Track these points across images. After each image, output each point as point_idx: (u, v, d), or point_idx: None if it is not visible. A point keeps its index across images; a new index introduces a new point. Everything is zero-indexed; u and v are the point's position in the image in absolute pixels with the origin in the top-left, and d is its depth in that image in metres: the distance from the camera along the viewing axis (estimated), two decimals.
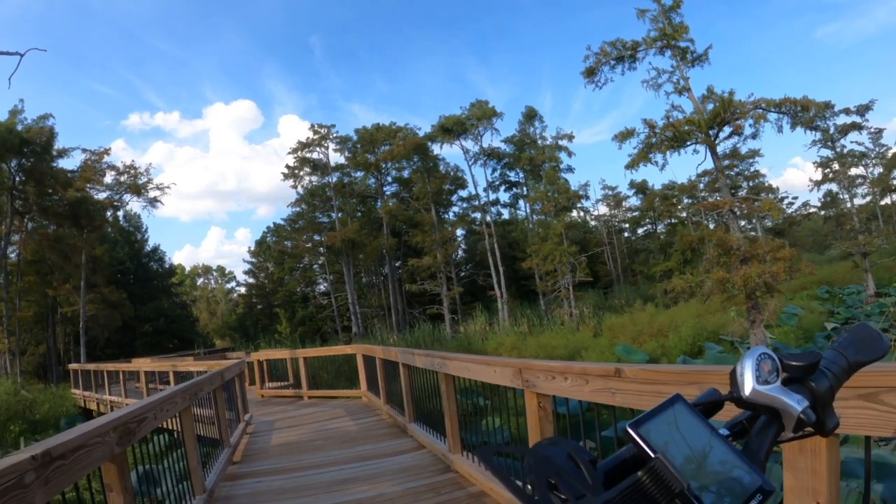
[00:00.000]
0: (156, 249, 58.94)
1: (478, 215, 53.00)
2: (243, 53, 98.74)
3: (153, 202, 47.13)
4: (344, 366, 17.03)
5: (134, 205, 49.34)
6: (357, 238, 46.81)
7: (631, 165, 26.47)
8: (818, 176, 46.51)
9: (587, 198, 50.88)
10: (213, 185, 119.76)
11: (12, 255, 43.67)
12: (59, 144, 39.07)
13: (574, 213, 48.20)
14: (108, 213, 47.21)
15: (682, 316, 29.00)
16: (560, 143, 48.48)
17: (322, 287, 59.44)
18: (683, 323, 27.08)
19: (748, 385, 0.91)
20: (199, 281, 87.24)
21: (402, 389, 8.96)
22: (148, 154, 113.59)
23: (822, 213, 56.57)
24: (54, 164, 39.46)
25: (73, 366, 28.96)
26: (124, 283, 50.33)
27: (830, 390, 0.98)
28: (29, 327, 44.94)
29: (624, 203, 61.19)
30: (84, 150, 43.57)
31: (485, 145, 48.62)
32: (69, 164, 43.25)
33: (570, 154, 48.61)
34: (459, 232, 52.24)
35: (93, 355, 40.74)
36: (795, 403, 0.90)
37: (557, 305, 42.19)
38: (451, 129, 46.44)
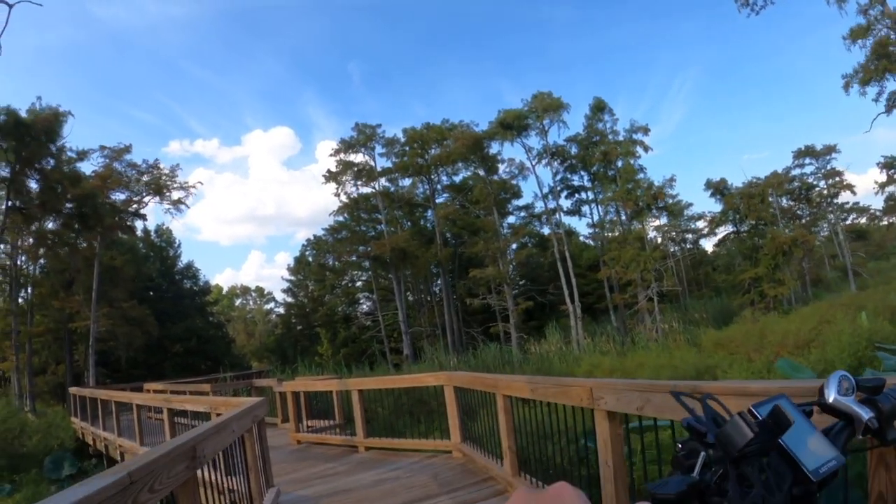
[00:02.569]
0: (189, 266, 56.65)
1: (538, 225, 48.23)
2: (281, 81, 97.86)
3: (177, 204, 43.24)
4: (407, 399, 13.86)
5: (156, 207, 45.69)
6: (408, 247, 41.95)
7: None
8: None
9: (668, 198, 44.79)
10: (252, 210, 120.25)
11: (23, 264, 41.74)
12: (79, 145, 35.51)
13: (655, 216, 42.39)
14: (132, 221, 44.06)
15: (795, 325, 24.71)
16: (634, 136, 42.78)
17: (365, 307, 56.86)
18: (800, 332, 22.64)
19: (831, 395, 1.22)
20: (238, 302, 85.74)
21: None
22: (189, 182, 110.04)
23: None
24: (76, 168, 37.13)
25: (73, 389, 24.60)
26: (154, 300, 48.33)
27: (893, 409, 1.21)
28: (47, 344, 42.89)
29: (686, 211, 55.22)
30: (103, 148, 40.45)
31: (550, 142, 43.34)
32: (89, 168, 40.23)
33: (646, 149, 42.77)
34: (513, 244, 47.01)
35: (116, 376, 39.44)
36: (863, 413, 1.18)
37: (637, 320, 36.95)
38: (510, 125, 41.78)
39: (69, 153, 37.00)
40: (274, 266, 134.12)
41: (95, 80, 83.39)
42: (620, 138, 43.15)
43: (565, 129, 43.27)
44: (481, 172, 44.39)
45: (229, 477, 5.75)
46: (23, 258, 41.47)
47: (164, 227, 55.89)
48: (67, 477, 20.75)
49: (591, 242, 51.30)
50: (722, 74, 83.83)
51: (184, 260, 56.75)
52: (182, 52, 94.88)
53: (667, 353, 25.55)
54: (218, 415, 7.79)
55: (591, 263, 44.39)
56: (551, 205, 45.15)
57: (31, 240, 39.71)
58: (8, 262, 40.96)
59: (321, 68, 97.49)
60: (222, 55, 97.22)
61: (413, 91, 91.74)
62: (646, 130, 43.26)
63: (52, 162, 33.25)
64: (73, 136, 39.60)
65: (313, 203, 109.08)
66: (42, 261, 42.92)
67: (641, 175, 40.51)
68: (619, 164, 41.52)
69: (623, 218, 42.32)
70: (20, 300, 41.04)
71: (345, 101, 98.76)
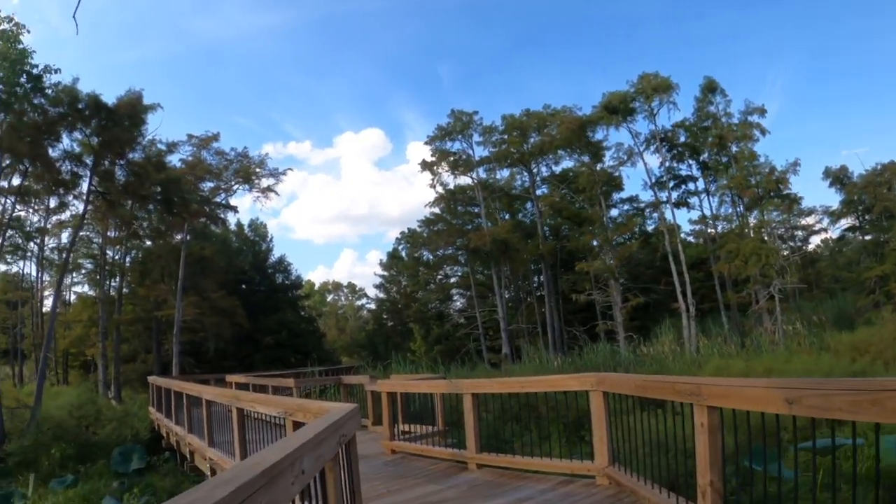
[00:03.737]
0: (281, 261, 56.41)
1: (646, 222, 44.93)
2: (372, 83, 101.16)
3: (266, 192, 42.91)
4: (515, 402, 11.43)
5: (246, 197, 45.52)
6: (509, 239, 39.80)
7: None
8: None
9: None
10: (345, 209, 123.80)
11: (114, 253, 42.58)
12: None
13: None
14: (224, 213, 44.06)
15: None
16: (749, 119, 39.08)
17: (458, 303, 55.92)
18: None
19: None
20: (329, 297, 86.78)
21: None
22: (283, 182, 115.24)
23: None
24: (168, 161, 37.12)
25: (151, 379, 23.42)
26: (246, 293, 48.96)
27: None
28: (137, 333, 43.65)
29: (795, 206, 50.64)
30: (190, 136, 40.75)
31: (659, 126, 40.27)
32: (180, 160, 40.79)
33: (763, 132, 38.89)
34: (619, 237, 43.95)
35: (204, 367, 39.36)
36: None
37: (754, 321, 34.75)
38: (616, 109, 39.26)
39: (159, 145, 37.14)
40: (366, 264, 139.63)
41: (193, 90, 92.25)
42: (734, 121, 39.70)
43: (675, 112, 40.12)
44: (586, 159, 41.56)
45: None
46: (113, 249, 42.35)
47: (258, 222, 56.66)
48: (134, 471, 19.67)
49: (693, 240, 47.83)
50: (819, 65, 78.27)
51: (276, 254, 56.71)
52: (275, 59, 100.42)
53: (800, 358, 22.62)
54: (294, 422, 6.51)
55: (693, 261, 41.00)
56: (657, 196, 42.15)
57: (115, 230, 39.67)
58: (97, 252, 41.10)
59: (412, 70, 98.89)
60: (314, 61, 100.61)
61: (503, 91, 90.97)
62: (762, 111, 39.46)
63: (136, 149, 32.88)
64: (170, 138, 39.21)
65: (405, 203, 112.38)
66: (132, 252, 43.23)
67: (761, 159, 36.92)
68: (735, 148, 38.06)
69: (740, 209, 38.87)
70: (109, 289, 41.26)
71: (435, 103, 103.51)
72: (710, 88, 39.86)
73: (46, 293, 45.84)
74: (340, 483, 4.55)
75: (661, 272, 41.85)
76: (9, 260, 42.90)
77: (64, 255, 33.76)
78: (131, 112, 29.57)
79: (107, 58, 70.81)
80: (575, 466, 7.74)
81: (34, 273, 46.94)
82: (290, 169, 47.60)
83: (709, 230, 42.60)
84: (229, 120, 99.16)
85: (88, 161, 29.55)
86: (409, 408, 12.72)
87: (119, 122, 28.89)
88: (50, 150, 28.18)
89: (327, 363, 44.21)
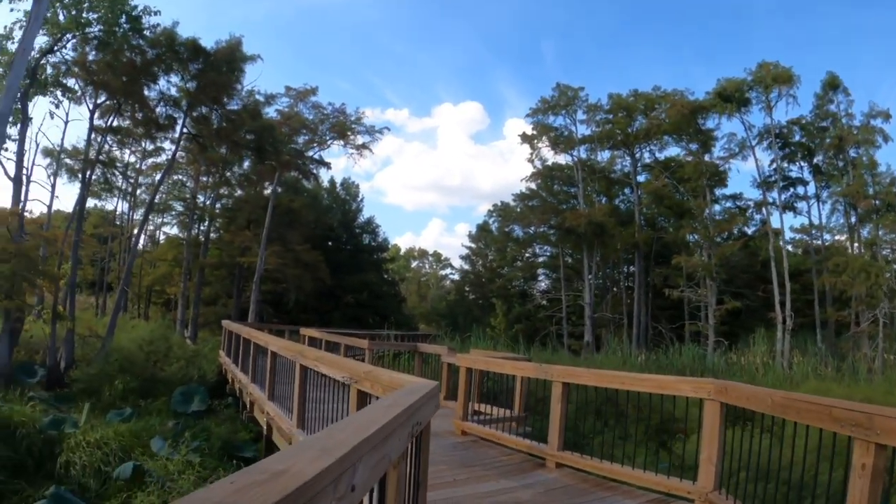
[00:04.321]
0: (370, 222, 56.43)
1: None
2: (474, 56, 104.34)
3: (361, 150, 42.54)
4: (594, 394, 10.13)
5: (340, 153, 45.59)
6: (606, 223, 38.32)
7: None
8: None
9: None
10: (438, 179, 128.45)
11: (201, 198, 43.17)
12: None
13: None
14: (316, 168, 44.00)
15: None
16: (872, 123, 36.36)
17: (543, 284, 54.79)
18: None
19: None
20: (414, 264, 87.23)
21: None
22: (379, 146, 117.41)
23: None
24: (265, 113, 36.95)
25: (224, 323, 23.15)
26: (332, 249, 48.96)
27: None
28: (221, 278, 44.58)
29: None
30: (288, 89, 40.56)
31: (774, 121, 37.83)
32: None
33: (886, 139, 36.08)
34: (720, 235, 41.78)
35: (283, 317, 40.08)
36: None
37: (852, 344, 31.86)
38: (730, 97, 37.02)
39: (257, 97, 37.14)
40: (453, 236, 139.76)
41: (296, 50, 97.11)
42: (856, 123, 37.00)
43: (794, 107, 37.57)
44: (694, 147, 39.56)
45: None
46: (204, 194, 42.93)
47: (350, 181, 56.70)
48: (193, 413, 19.52)
49: (791, 249, 45.24)
50: None
51: (365, 215, 56.70)
52: (379, 26, 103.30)
53: None
54: (360, 391, 5.76)
55: (791, 271, 38.51)
56: (765, 196, 39.65)
57: (207, 176, 40.50)
58: (188, 196, 41.70)
59: (515, 46, 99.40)
60: (418, 29, 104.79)
61: (605, 74, 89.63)
62: (886, 116, 36.56)
63: (234, 98, 32.70)
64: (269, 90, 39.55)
65: (498, 178, 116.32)
66: (222, 200, 44.09)
67: (882, 168, 34.41)
68: (854, 153, 35.59)
69: (852, 220, 36.31)
70: (197, 233, 42.14)
71: (536, 81, 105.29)
72: (833, 85, 37.16)
73: (136, 231, 46.86)
74: (404, 480, 3.64)
75: (755, 278, 40.08)
76: (103, 197, 44.04)
77: (151, 195, 33.89)
78: (229, 58, 29.31)
79: (212, 13, 73.21)
80: (671, 485, 6.71)
81: (126, 211, 48.37)
82: (386, 128, 47.33)
83: (813, 240, 40.02)
84: (330, 82, 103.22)
85: (184, 104, 29.45)
86: (484, 384, 11.86)
87: (216, 67, 28.68)
88: (146, 92, 28.24)
89: (404, 328, 44.09)
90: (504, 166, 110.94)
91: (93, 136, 27.85)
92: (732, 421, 6.01)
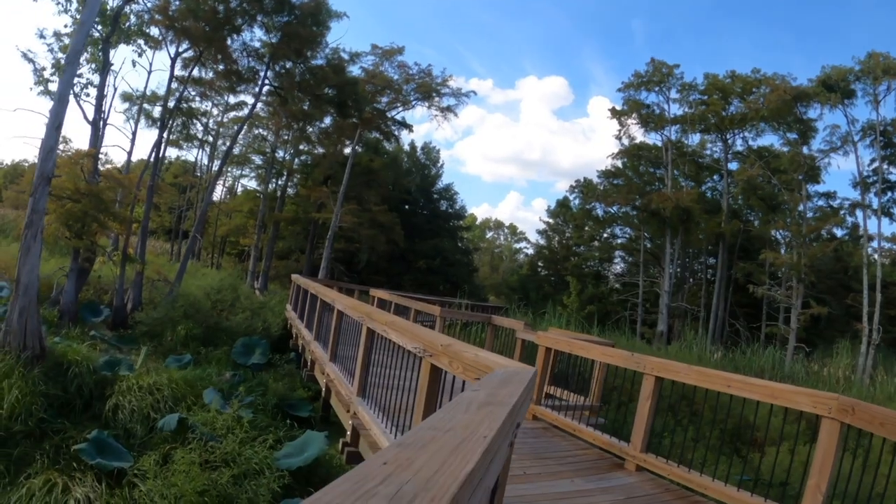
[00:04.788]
0: (448, 189, 56.38)
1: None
2: (562, 31, 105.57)
3: (445, 112, 41.67)
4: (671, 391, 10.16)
5: (422, 112, 44.85)
6: (693, 209, 36.91)
7: None
8: None
9: None
10: (518, 152, 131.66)
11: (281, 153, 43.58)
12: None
13: None
14: (398, 130, 43.15)
15: None
16: None
17: (618, 267, 54.15)
18: None
19: None
20: (489, 235, 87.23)
21: None
22: (461, 116, 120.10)
23: None
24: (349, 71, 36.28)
25: (294, 277, 22.66)
26: (408, 213, 49.32)
27: None
28: (296, 233, 44.82)
29: None
30: (374, 47, 39.87)
31: (880, 116, 35.33)
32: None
33: None
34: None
35: (353, 276, 40.19)
36: None
37: None
38: (835, 87, 34.84)
39: (342, 54, 36.58)
40: (529, 210, 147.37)
41: (383, 16, 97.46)
42: None
43: None
44: (792, 136, 37.47)
45: None
46: (284, 149, 43.52)
47: (431, 146, 56.76)
48: (253, 365, 19.08)
49: (878, 258, 42.97)
50: None
51: (444, 181, 56.50)
52: None
53: None
54: (433, 366, 5.16)
55: (883, 282, 36.30)
56: (862, 197, 37.28)
57: (287, 131, 40.49)
58: (268, 150, 41.84)
59: (604, 23, 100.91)
60: (506, 1, 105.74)
61: (696, 57, 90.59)
62: None
63: (319, 54, 32.24)
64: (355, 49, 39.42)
65: (579, 156, 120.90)
66: (301, 156, 44.38)
67: None
68: None
69: None
70: (275, 188, 42.51)
71: (624, 60, 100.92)
72: None
73: (212, 180, 47.46)
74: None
75: (838, 285, 38.02)
76: (184, 147, 44.51)
77: (229, 145, 33.80)
78: (314, 11, 28.72)
79: None
80: None
81: (206, 162, 48.86)
82: (473, 92, 46.20)
83: None
84: (416, 49, 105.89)
85: (266, 57, 29.14)
86: (560, 368, 10.96)
87: (301, 20, 28.21)
88: (229, 43, 27.97)
89: (473, 298, 43.62)
90: (586, 144, 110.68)
91: (174, 85, 28.02)
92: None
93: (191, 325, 20.40)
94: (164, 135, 28.46)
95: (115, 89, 27.95)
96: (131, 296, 23.43)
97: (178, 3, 25.18)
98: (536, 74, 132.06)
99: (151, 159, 26.39)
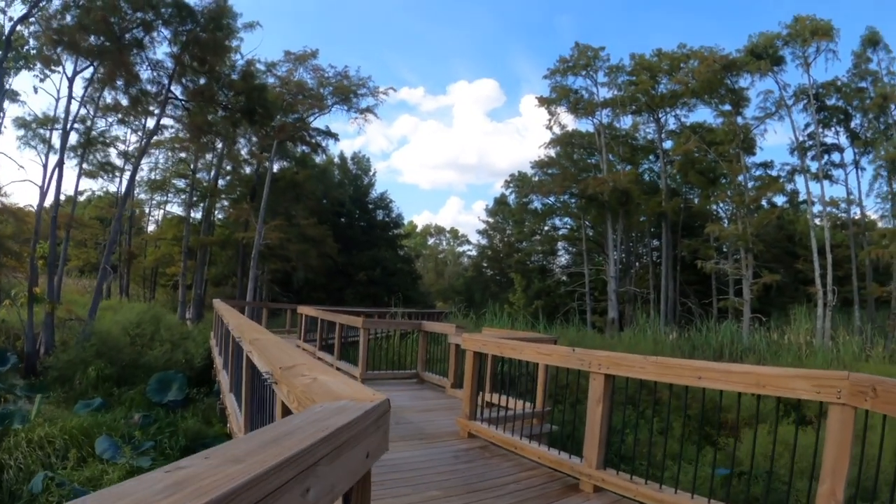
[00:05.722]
0: (383, 196, 55.37)
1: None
2: (490, 33, 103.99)
3: (365, 114, 40.21)
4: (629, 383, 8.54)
5: (342, 116, 43.88)
6: (631, 190, 36.07)
7: None
8: None
9: None
10: (454, 157, 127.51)
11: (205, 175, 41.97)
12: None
13: None
14: (323, 139, 41.85)
15: None
16: None
17: (563, 259, 53.47)
18: None
19: None
20: (431, 241, 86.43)
21: None
22: (394, 126, 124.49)
23: None
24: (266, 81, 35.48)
25: (216, 302, 20.67)
26: (344, 226, 48.11)
27: None
28: (228, 258, 43.07)
29: None
30: (288, 54, 38.33)
31: (810, 81, 34.99)
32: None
33: None
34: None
35: (291, 296, 37.79)
36: None
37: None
38: (763, 54, 34.44)
39: (259, 65, 35.70)
40: (471, 213, 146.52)
41: (309, 31, 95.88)
42: None
43: (834, 63, 34.69)
44: (725, 108, 36.82)
45: None
46: (208, 172, 41.64)
47: (361, 155, 56.15)
48: (169, 402, 17.35)
49: (819, 222, 42.94)
50: None
51: (378, 190, 55.55)
52: (394, 4, 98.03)
53: None
54: (283, 404, 3.55)
55: (822, 245, 36.01)
56: (802, 163, 36.73)
57: (209, 152, 39.10)
58: (190, 172, 40.34)
59: (530, 22, 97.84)
60: (432, 7, 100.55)
61: (625, 47, 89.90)
62: None
63: (234, 68, 31.26)
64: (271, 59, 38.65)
65: (515, 156, 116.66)
66: (225, 178, 42.81)
67: None
68: None
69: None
70: (205, 211, 41.47)
71: (552, 56, 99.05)
72: (872, 42, 34.29)
73: (137, 210, 45.05)
74: None
75: (783, 252, 38.16)
76: (105, 177, 42.16)
77: (134, 164, 31.58)
78: (217, 15, 27.04)
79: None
80: None
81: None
82: (391, 88, 44.48)
83: (843, 213, 37.06)
84: (344, 61, 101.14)
85: (168, 67, 27.49)
86: (497, 372, 9.61)
87: (203, 26, 26.60)
88: (135, 58, 26.31)
89: (420, 305, 43.05)
90: (521, 143, 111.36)
91: (83, 111, 26.16)
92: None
93: (102, 364, 18.49)
94: (81, 165, 27.97)
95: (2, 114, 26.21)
96: (42, 339, 21.43)
97: (69, 17, 23.35)
98: (467, 78, 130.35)
99: (45, 189, 24.09)
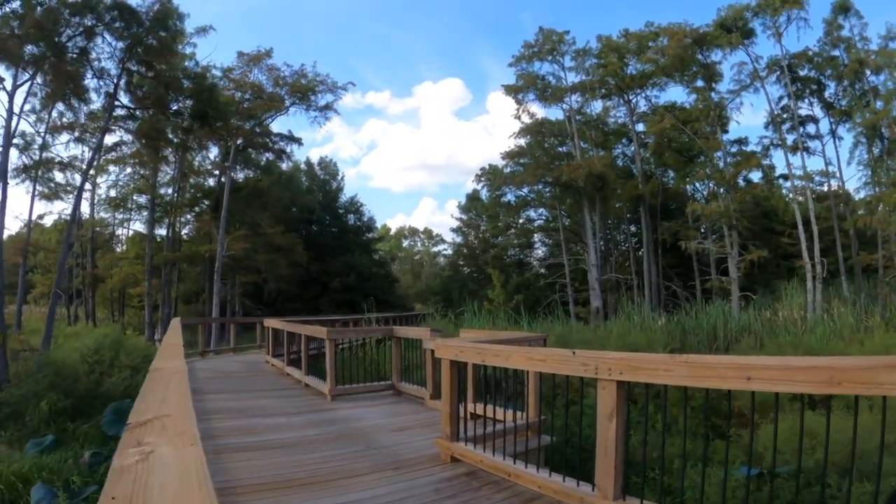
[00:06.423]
0: (353, 201, 55.04)
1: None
2: (453, 32, 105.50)
3: (325, 111, 39.50)
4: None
5: (302, 117, 43.13)
6: (606, 174, 35.45)
7: None
8: None
9: None
10: (424, 159, 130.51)
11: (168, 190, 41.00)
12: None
13: None
14: (288, 145, 40.99)
15: None
16: (890, 46, 32.76)
17: (540, 251, 53.06)
18: None
19: None
20: (406, 243, 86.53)
21: None
22: (362, 131, 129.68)
23: None
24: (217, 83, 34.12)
25: (173, 322, 19.26)
26: (315, 233, 48.41)
27: None
28: (196, 275, 41.72)
29: None
30: (241, 54, 37.28)
31: (783, 51, 34.28)
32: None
33: None
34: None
35: (265, 309, 37.09)
36: None
37: (888, 290, 28.60)
38: (731, 27, 33.77)
39: (215, 71, 35.18)
40: (444, 213, 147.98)
41: (273, 40, 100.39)
42: (873, 47, 33.40)
43: (806, 31, 33.70)
44: (699, 84, 35.94)
45: None
46: (172, 186, 40.59)
47: (328, 160, 55.70)
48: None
49: (791, 195, 42.54)
50: None
51: (347, 195, 55.26)
52: (355, 10, 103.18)
53: None
54: None
55: (805, 218, 35.29)
56: (781, 136, 35.83)
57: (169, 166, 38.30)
58: (146, 187, 38.98)
59: (494, 19, 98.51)
60: (394, 10, 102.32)
61: (591, 34, 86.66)
62: None
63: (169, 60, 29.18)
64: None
65: (484, 153, 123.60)
66: (188, 192, 41.82)
67: None
68: (878, 79, 32.27)
69: (877, 152, 32.75)
70: (170, 227, 40.70)
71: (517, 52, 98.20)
72: (843, 8, 33.61)
73: (99, 231, 43.23)
74: None
75: (763, 228, 37.99)
76: (64, 198, 40.67)
77: (83, 174, 30.16)
78: (162, 16, 25.91)
79: (191, 13, 70.40)
80: None
81: (87, 212, 44.13)
82: (350, 83, 43.55)
83: (819, 185, 36.33)
84: (309, 65, 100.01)
85: (111, 71, 26.23)
86: (480, 375, 8.03)
87: (147, 27, 25.44)
88: (83, 69, 25.20)
89: (398, 309, 42.43)
90: (489, 140, 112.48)
91: (21, 124, 24.76)
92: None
93: (55, 397, 16.83)
94: (35, 186, 27.67)
95: None
96: None
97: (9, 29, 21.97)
98: (432, 79, 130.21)
99: None
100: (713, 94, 35.60)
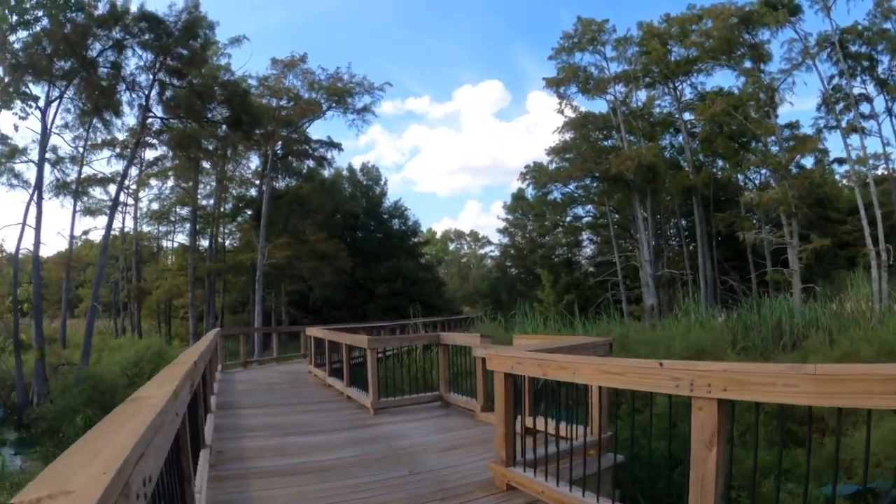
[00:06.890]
0: (397, 205, 54.78)
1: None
2: (490, 34, 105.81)
3: (363, 113, 39.35)
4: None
5: (340, 122, 43.70)
6: (658, 164, 34.93)
7: None
8: None
9: None
10: (467, 162, 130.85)
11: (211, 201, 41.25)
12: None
13: None
14: (328, 151, 41.20)
15: None
16: None
17: (588, 250, 52.28)
18: None
19: None
20: (452, 246, 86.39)
21: None
22: (404, 137, 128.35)
23: None
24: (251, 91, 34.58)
25: (213, 332, 18.93)
26: (360, 239, 48.23)
27: None
28: (242, 285, 41.67)
29: None
30: (275, 61, 37.13)
31: (833, 26, 32.54)
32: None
33: None
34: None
35: (310, 317, 36.60)
36: None
37: None
38: (777, 5, 32.32)
39: (251, 80, 35.67)
40: (490, 215, 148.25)
41: (313, 53, 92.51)
42: None
43: (856, 4, 32.34)
44: (747, 65, 34.64)
45: None
46: (216, 198, 40.78)
47: (370, 165, 55.60)
48: None
49: (843, 181, 41.01)
50: None
51: (391, 199, 54.96)
52: (389, 19, 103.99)
53: None
54: None
55: (852, 206, 33.59)
56: (837, 119, 34.16)
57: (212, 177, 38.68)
58: (189, 199, 39.20)
59: (531, 17, 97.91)
60: (432, 15, 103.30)
61: (631, 21, 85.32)
62: None
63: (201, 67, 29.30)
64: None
65: (526, 153, 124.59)
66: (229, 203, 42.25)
67: None
68: None
69: None
70: (213, 239, 41.06)
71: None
72: None
73: (144, 243, 43.77)
74: None
75: (818, 216, 35.96)
76: (106, 212, 40.91)
77: (118, 186, 30.14)
78: (189, 26, 25.85)
79: (227, 25, 69.82)
80: None
81: (131, 226, 44.44)
82: (387, 83, 42.84)
83: (887, 165, 34.71)
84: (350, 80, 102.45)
85: (144, 81, 26.28)
86: (539, 383, 7.12)
87: (175, 35, 25.46)
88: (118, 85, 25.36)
89: (446, 312, 41.88)
90: (531, 140, 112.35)
91: (52, 138, 24.66)
92: None
93: (91, 412, 16.59)
94: (76, 203, 27.81)
95: None
96: (35, 388, 19.74)
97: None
98: (471, 82, 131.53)
99: (23, 228, 22.46)
100: (763, 76, 34.25)
